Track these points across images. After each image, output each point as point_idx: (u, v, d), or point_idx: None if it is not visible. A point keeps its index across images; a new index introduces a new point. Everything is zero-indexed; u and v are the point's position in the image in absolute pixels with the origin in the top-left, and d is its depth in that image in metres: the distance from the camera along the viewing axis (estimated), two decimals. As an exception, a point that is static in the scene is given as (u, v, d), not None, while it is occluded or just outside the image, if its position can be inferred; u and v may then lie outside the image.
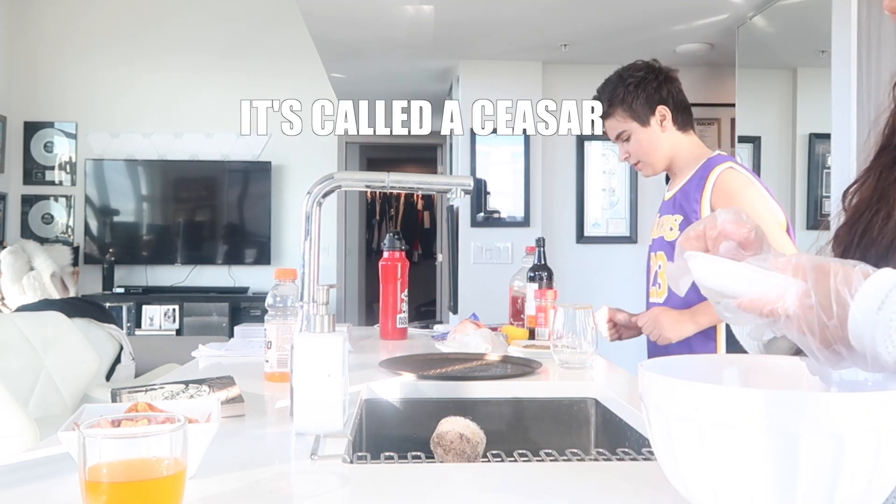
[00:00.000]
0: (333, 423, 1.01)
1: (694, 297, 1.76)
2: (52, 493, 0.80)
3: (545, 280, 2.07)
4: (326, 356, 1.01)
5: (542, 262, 2.10)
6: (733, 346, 1.69)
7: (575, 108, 4.60)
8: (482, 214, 4.44)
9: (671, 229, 1.89)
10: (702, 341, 1.82)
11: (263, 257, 5.94)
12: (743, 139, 3.83)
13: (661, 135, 1.90)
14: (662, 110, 1.89)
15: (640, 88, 1.89)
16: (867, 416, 0.58)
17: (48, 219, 5.98)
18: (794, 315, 0.65)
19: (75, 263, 5.65)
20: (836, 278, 0.63)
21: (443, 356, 1.73)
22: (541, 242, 2.13)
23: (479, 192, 4.42)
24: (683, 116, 1.92)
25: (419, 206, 9.47)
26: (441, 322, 2.42)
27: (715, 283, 0.70)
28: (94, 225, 5.92)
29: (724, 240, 0.75)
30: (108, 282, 5.80)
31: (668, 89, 1.90)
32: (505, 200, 4.48)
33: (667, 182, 4.82)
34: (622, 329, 1.97)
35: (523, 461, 1.06)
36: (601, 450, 1.19)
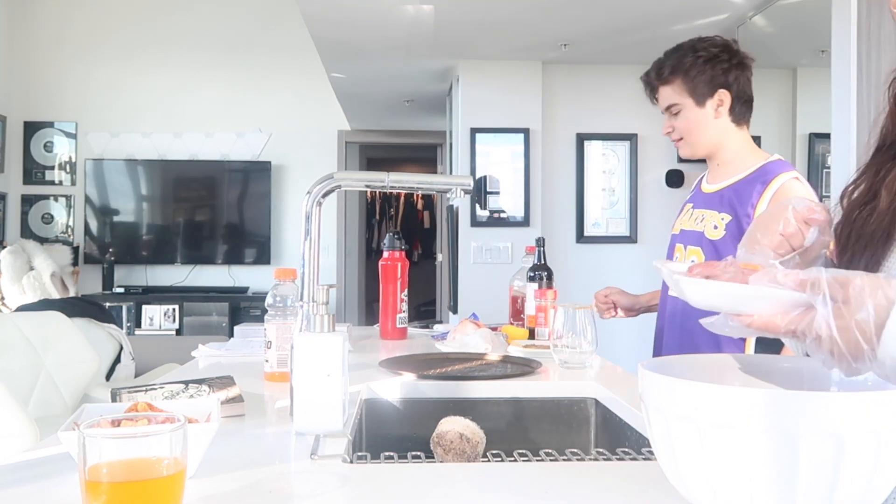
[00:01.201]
0: (333, 422, 1.01)
1: None
2: (52, 493, 0.80)
3: (545, 280, 2.07)
4: (326, 356, 1.01)
5: (542, 262, 2.09)
6: (762, 347, 1.66)
7: (575, 108, 4.60)
8: (486, 212, 4.43)
9: (715, 227, 1.77)
10: (730, 341, 1.77)
11: (263, 257, 5.94)
12: (743, 139, 3.83)
13: (712, 120, 1.79)
14: (722, 95, 1.78)
15: (707, 65, 1.77)
16: (867, 416, 0.58)
17: (48, 218, 5.98)
18: (826, 337, 0.62)
19: (75, 263, 5.65)
20: (877, 296, 0.61)
21: (443, 356, 1.73)
22: (541, 242, 2.13)
23: (481, 191, 4.42)
24: (742, 109, 1.81)
25: (419, 206, 9.47)
26: (441, 322, 2.42)
27: (723, 306, 0.68)
28: (93, 225, 5.92)
29: (809, 227, 0.74)
30: (107, 281, 5.80)
31: (736, 75, 1.79)
32: (505, 200, 4.47)
33: (666, 181, 4.81)
34: (625, 311, 2.00)
35: (523, 461, 1.06)
36: (601, 450, 1.19)
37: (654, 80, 1.85)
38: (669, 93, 1.82)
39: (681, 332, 1.82)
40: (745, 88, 1.81)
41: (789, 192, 1.70)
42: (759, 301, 0.65)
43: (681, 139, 1.84)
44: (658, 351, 1.94)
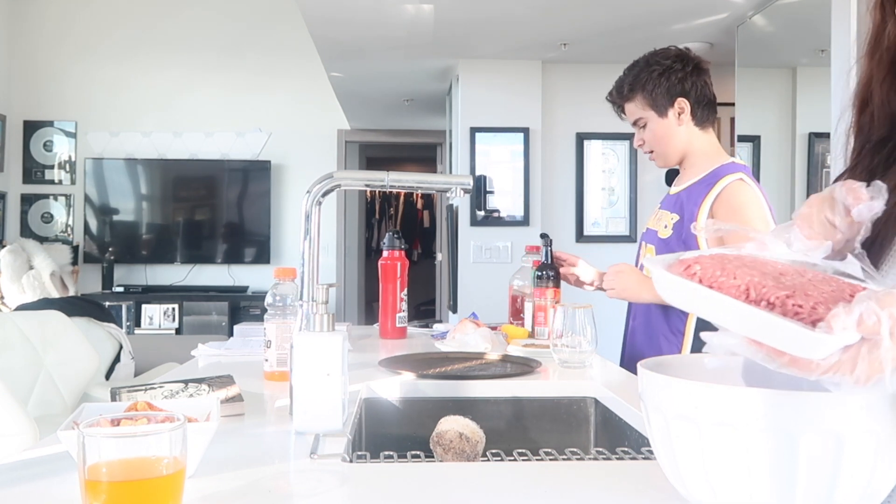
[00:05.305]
0: (333, 422, 1.01)
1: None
2: (51, 493, 0.80)
3: (552, 279, 2.03)
4: (326, 355, 1.01)
5: (549, 262, 2.03)
6: (699, 346, 1.70)
7: (574, 107, 4.60)
8: (482, 213, 4.43)
9: (665, 226, 1.85)
10: (669, 341, 1.82)
11: (263, 256, 5.94)
12: (742, 138, 3.83)
13: (676, 128, 1.85)
14: (682, 103, 1.83)
15: (663, 77, 1.83)
16: (867, 415, 0.58)
17: (48, 218, 5.97)
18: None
19: (75, 262, 5.65)
20: None
21: (442, 355, 1.73)
22: (548, 242, 2.07)
23: (479, 191, 4.41)
24: (704, 112, 1.86)
25: (419, 206, 9.47)
26: (440, 321, 2.42)
27: (742, 328, 0.58)
28: (93, 224, 5.92)
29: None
30: (107, 281, 5.80)
31: (692, 81, 1.84)
32: (504, 199, 4.47)
33: (666, 180, 4.83)
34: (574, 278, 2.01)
35: (523, 460, 1.06)
36: (601, 449, 1.19)
37: (616, 98, 1.94)
38: (633, 108, 1.90)
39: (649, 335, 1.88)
40: (705, 92, 1.87)
41: (733, 194, 1.76)
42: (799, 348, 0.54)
43: (652, 151, 1.92)
44: (625, 351, 2.00)
